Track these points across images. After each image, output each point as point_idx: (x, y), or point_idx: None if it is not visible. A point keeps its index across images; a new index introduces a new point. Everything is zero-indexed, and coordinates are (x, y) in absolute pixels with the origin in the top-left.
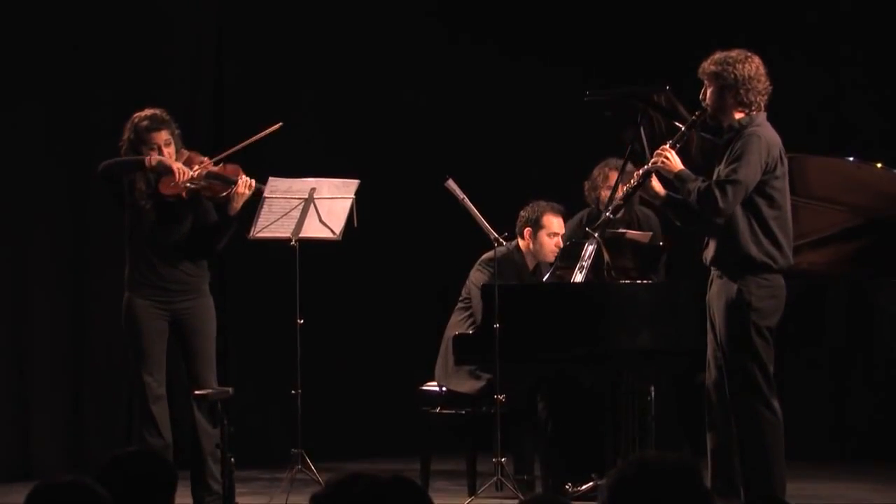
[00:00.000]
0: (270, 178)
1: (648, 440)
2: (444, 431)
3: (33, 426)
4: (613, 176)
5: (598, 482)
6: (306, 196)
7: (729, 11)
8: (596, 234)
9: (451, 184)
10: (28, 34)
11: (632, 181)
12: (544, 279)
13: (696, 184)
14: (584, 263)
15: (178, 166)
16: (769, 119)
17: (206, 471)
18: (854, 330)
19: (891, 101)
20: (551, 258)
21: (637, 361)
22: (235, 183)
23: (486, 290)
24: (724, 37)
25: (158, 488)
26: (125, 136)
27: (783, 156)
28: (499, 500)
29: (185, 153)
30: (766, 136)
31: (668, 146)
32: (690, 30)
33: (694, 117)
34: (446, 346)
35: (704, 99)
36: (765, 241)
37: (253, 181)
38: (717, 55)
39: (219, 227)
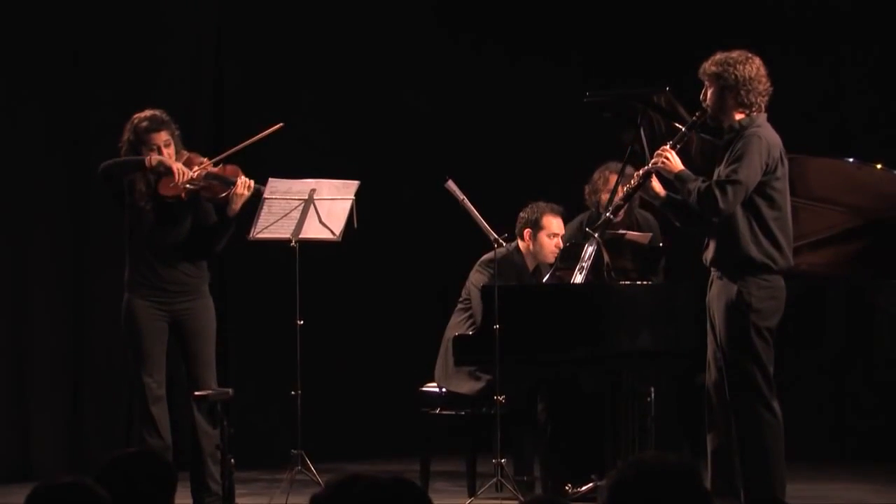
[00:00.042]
0: (270, 179)
1: (648, 441)
2: (443, 432)
3: (33, 427)
4: (613, 179)
5: (598, 483)
6: (306, 197)
7: (729, 12)
8: (596, 235)
9: (450, 185)
10: (28, 35)
11: (632, 182)
12: (544, 280)
13: (697, 184)
14: (584, 264)
15: (177, 167)
16: (769, 120)
17: (205, 472)
18: (854, 331)
19: (891, 102)
20: (551, 259)
21: (637, 362)
22: (234, 184)
23: (485, 291)
24: (725, 38)
25: (158, 489)
26: (125, 137)
27: (783, 157)
28: (499, 501)
29: (185, 154)
30: (767, 136)
31: (668, 147)
32: (691, 31)
33: (694, 118)
34: (446, 347)
35: (705, 100)
36: (765, 243)
37: (252, 182)
38: (718, 56)
39: (218, 227)
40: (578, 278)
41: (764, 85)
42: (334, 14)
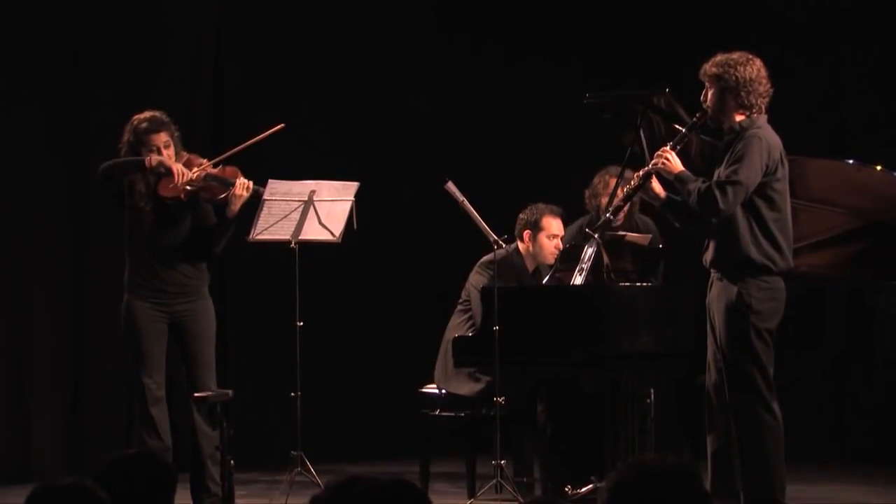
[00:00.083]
0: (270, 181)
1: (648, 442)
2: (443, 434)
3: (33, 428)
4: (613, 183)
5: (598, 485)
6: (306, 198)
7: (729, 13)
8: (595, 236)
9: (450, 186)
10: (28, 36)
11: (632, 183)
12: (544, 281)
13: (697, 184)
14: (584, 266)
15: (177, 167)
16: (769, 121)
17: (205, 473)
18: (854, 332)
19: (891, 102)
20: (551, 260)
21: (636, 364)
22: (233, 185)
23: (485, 292)
24: (725, 39)
25: (158, 490)
26: (125, 138)
27: (784, 158)
28: (498, 503)
29: (185, 155)
30: (767, 138)
31: (668, 148)
32: (691, 32)
33: (694, 119)
34: (446, 349)
35: (705, 101)
36: (765, 244)
37: (250, 183)
38: (719, 57)
39: (217, 229)
40: (578, 280)
41: (764, 86)
42: (334, 15)
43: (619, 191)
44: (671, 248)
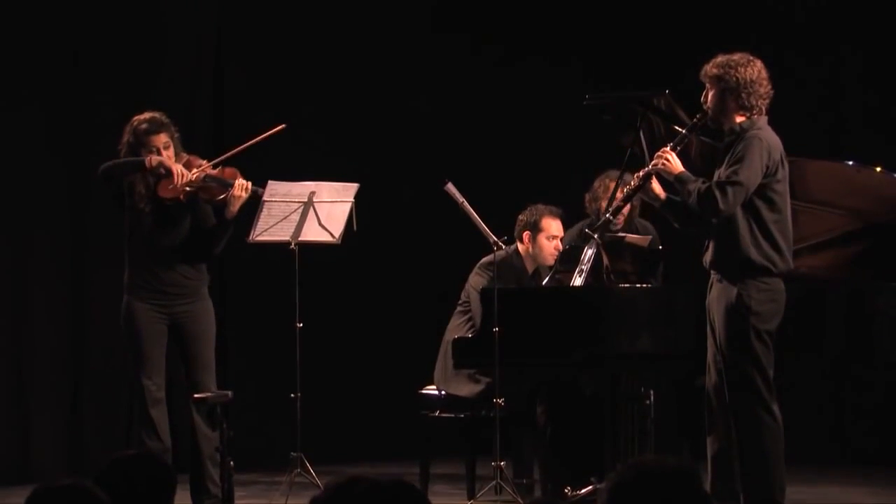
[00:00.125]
0: (270, 182)
1: (648, 444)
2: (443, 435)
3: (33, 429)
4: (613, 187)
5: (598, 486)
6: (306, 200)
7: (728, 13)
8: (595, 236)
9: (450, 187)
10: (29, 37)
11: (632, 183)
12: (543, 283)
13: (697, 185)
14: (584, 267)
15: (177, 168)
16: (770, 122)
17: (205, 474)
18: (853, 334)
19: (891, 102)
20: (550, 261)
21: (636, 365)
22: (232, 186)
23: (485, 293)
24: (724, 40)
25: (158, 491)
26: (124, 139)
27: (784, 159)
28: None
29: (185, 156)
30: (768, 139)
31: (668, 148)
32: (691, 33)
33: (695, 120)
34: (445, 350)
35: (705, 102)
36: (765, 245)
37: (249, 184)
38: (719, 58)
39: (216, 230)
40: (578, 281)
41: (765, 88)
42: (334, 16)
43: (618, 191)
44: (671, 249)
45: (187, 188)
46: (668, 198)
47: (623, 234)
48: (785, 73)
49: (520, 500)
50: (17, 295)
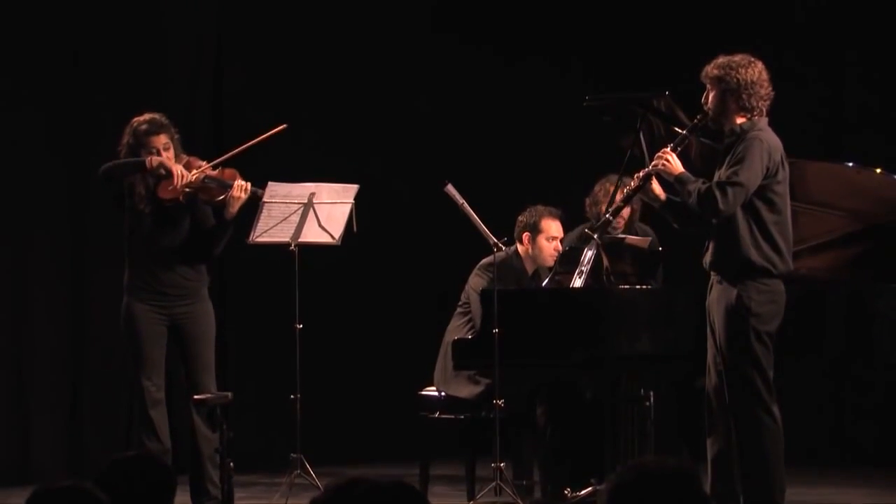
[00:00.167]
0: (270, 183)
1: (648, 445)
2: (443, 436)
3: (32, 430)
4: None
5: (597, 487)
6: (306, 201)
7: (728, 14)
8: (595, 236)
9: (450, 189)
10: (29, 38)
11: (632, 184)
12: (543, 284)
13: (697, 185)
14: (584, 268)
15: (178, 169)
16: (770, 124)
17: (205, 475)
18: (854, 335)
19: (891, 103)
20: (550, 262)
21: (636, 366)
22: (231, 187)
23: (485, 295)
24: (724, 41)
25: (157, 493)
26: (124, 141)
27: (784, 161)
28: None
29: (185, 158)
30: (768, 140)
31: (668, 149)
32: (691, 34)
33: (695, 121)
34: (445, 351)
35: (706, 103)
36: (765, 246)
37: (248, 185)
38: (720, 59)
39: (216, 230)
40: (578, 282)
41: (766, 89)
42: (334, 17)
43: (618, 192)
44: (670, 249)
45: (186, 189)
46: (668, 198)
47: (623, 236)
48: (785, 74)
49: (519, 501)
50: (17, 295)
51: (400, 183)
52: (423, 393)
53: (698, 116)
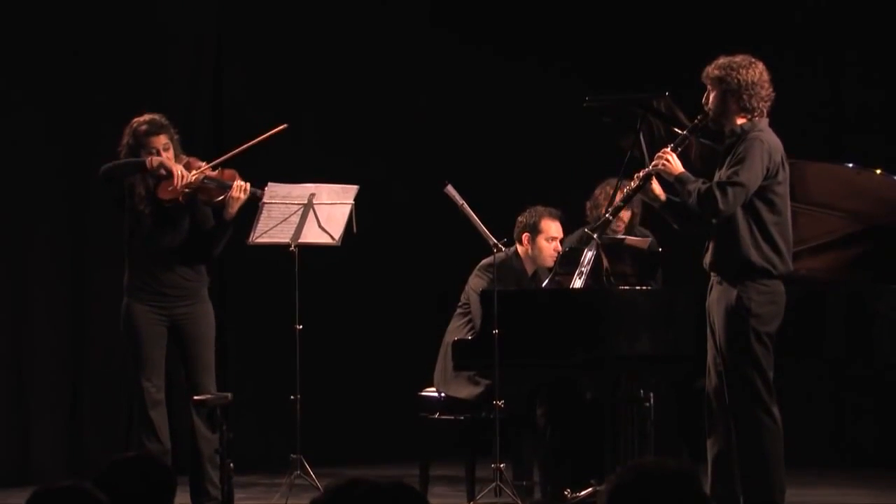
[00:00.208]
0: (269, 184)
1: (647, 446)
2: (443, 437)
3: (32, 430)
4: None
5: (597, 488)
6: (305, 201)
7: (727, 14)
8: (595, 236)
9: (450, 189)
10: (29, 39)
11: (632, 184)
12: (543, 285)
13: (697, 185)
14: (584, 269)
15: (178, 169)
16: (770, 125)
17: (204, 476)
18: (854, 336)
19: (891, 103)
20: (550, 263)
21: (636, 367)
22: (230, 187)
23: (485, 295)
24: (724, 41)
25: (157, 493)
26: (124, 141)
27: (785, 162)
28: None
29: (184, 158)
30: (769, 141)
31: (668, 149)
32: (692, 34)
33: (696, 121)
34: (445, 352)
35: (707, 103)
36: (765, 247)
37: (248, 185)
38: (721, 60)
39: (215, 231)
40: (578, 283)
41: (766, 90)
42: (334, 18)
43: (618, 193)
44: (670, 250)
45: (186, 190)
46: (668, 199)
47: (623, 237)
48: (785, 74)
49: (519, 502)
50: (17, 295)
51: (400, 184)
52: (423, 394)
53: (699, 117)
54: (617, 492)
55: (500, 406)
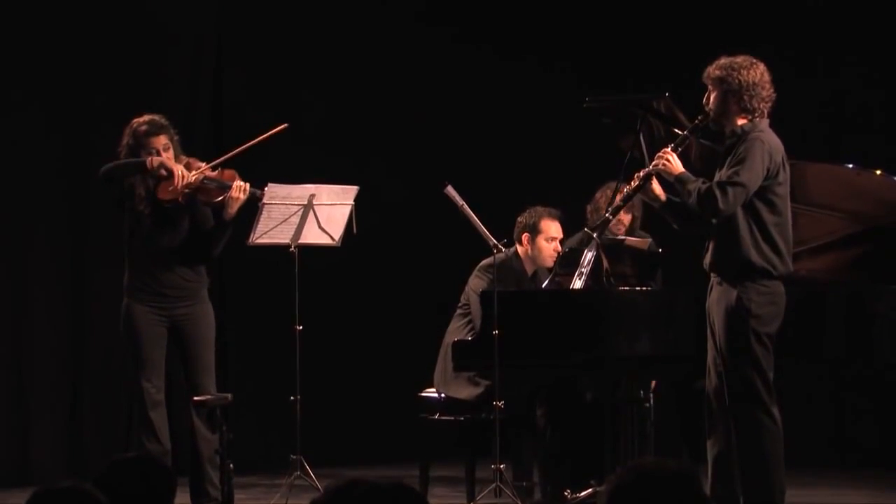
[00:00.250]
0: (269, 185)
1: (647, 446)
2: (443, 438)
3: (32, 431)
4: None
5: (597, 489)
6: (305, 202)
7: (727, 15)
8: (595, 235)
9: (449, 190)
10: (29, 39)
11: (632, 184)
12: (543, 285)
13: (697, 185)
14: (583, 270)
15: (178, 169)
16: (771, 125)
17: (204, 477)
18: (854, 337)
19: (891, 103)
20: (550, 263)
21: (636, 367)
22: (230, 188)
23: (485, 296)
24: (725, 41)
25: (157, 494)
26: (124, 142)
27: (785, 162)
28: None
29: (184, 159)
30: (769, 141)
31: (669, 149)
32: (692, 35)
33: (696, 122)
34: (445, 353)
35: (707, 103)
36: (765, 248)
37: (247, 185)
38: (722, 60)
39: (215, 231)
40: (578, 284)
41: (767, 91)
42: (334, 19)
43: (618, 193)
44: (670, 251)
45: (186, 190)
46: (668, 199)
47: (623, 237)
48: (785, 74)
49: (519, 502)
50: (17, 295)
51: (400, 184)
52: (423, 394)
53: (699, 117)
54: (617, 492)
55: (500, 407)
